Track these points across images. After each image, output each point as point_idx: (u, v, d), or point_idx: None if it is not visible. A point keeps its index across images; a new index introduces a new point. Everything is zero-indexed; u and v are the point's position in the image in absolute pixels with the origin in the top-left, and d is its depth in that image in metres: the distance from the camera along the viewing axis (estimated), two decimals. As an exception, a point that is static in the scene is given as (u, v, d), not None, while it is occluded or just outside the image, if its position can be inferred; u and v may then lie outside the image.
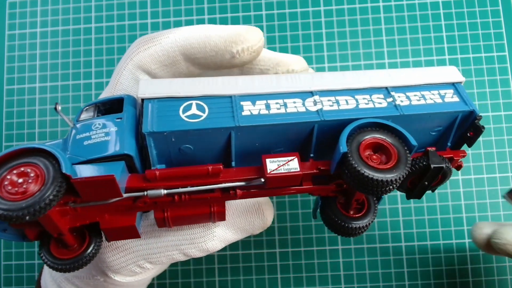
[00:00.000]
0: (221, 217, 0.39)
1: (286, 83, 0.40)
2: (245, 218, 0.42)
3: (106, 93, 0.43)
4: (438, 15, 0.68)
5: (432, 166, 0.39)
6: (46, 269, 0.49)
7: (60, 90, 0.68)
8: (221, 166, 0.36)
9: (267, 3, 0.69)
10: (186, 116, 0.36)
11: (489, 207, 0.63)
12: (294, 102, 0.39)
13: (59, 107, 0.35)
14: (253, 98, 0.38)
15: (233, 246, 0.64)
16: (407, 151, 0.37)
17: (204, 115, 0.36)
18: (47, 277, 0.48)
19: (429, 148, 0.41)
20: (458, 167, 0.44)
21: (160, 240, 0.42)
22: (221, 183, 0.36)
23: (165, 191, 0.36)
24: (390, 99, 0.40)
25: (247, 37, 0.41)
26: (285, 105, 0.38)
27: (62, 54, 0.69)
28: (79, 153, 0.35)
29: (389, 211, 0.64)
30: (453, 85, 0.42)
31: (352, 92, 0.41)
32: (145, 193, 0.35)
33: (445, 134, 0.42)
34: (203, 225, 0.42)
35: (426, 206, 0.64)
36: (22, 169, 0.32)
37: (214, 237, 0.42)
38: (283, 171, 0.36)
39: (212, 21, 0.69)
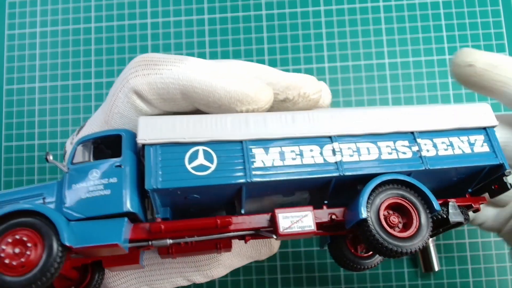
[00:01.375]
0: (228, 249, 0.37)
1: (303, 125, 0.35)
2: (252, 247, 0.41)
3: (103, 113, 0.40)
4: (438, 15, 0.68)
5: (451, 221, 0.37)
6: None
7: (60, 90, 0.68)
8: (230, 219, 0.34)
9: (267, 3, 0.69)
10: (192, 168, 0.33)
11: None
12: (311, 151, 0.35)
13: (50, 157, 0.33)
14: (266, 143, 0.34)
15: (233, 246, 0.64)
16: (429, 214, 0.35)
17: (213, 167, 0.33)
18: None
19: (450, 201, 0.38)
20: (475, 211, 0.40)
21: (164, 267, 0.41)
22: (230, 232, 0.34)
23: (171, 241, 0.33)
24: (415, 148, 0.37)
25: (254, 99, 0.37)
26: (301, 154, 0.35)
27: (62, 54, 0.69)
28: (77, 208, 0.32)
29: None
30: (485, 130, 0.39)
31: (374, 137, 0.37)
32: (150, 242, 0.33)
33: (468, 180, 0.40)
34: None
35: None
36: (17, 236, 0.29)
37: (220, 265, 0.41)
38: (296, 230, 0.34)
39: (212, 21, 0.69)
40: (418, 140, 0.37)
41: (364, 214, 0.33)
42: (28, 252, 0.29)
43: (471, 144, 0.38)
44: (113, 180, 0.33)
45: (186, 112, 0.39)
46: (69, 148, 0.43)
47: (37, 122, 0.68)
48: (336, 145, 0.35)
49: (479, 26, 0.67)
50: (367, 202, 0.34)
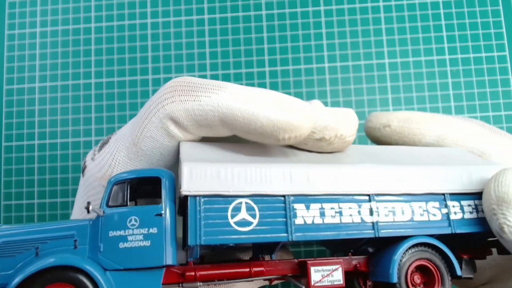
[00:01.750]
0: None
1: (343, 182, 0.36)
2: None
3: (132, 134, 0.39)
4: (438, 15, 0.68)
5: (463, 277, 0.39)
6: None
7: (60, 90, 0.68)
8: (263, 268, 0.35)
9: (267, 3, 0.69)
10: (235, 223, 0.33)
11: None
12: (350, 208, 0.36)
13: (90, 207, 0.32)
14: (307, 200, 0.35)
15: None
16: (449, 277, 0.37)
17: (255, 222, 0.33)
18: None
19: (464, 256, 0.40)
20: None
21: None
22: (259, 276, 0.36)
23: (201, 283, 0.34)
24: (445, 211, 0.38)
25: (297, 127, 0.36)
26: (340, 213, 0.35)
27: (62, 54, 0.69)
28: (115, 258, 0.31)
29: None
30: None
31: (409, 197, 0.38)
32: (181, 285, 0.34)
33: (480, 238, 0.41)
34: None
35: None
36: None
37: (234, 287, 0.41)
38: (326, 284, 0.35)
39: (212, 21, 0.69)
40: (448, 203, 0.39)
41: (395, 279, 0.35)
42: None
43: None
44: (153, 230, 0.32)
45: (221, 138, 0.39)
46: (90, 164, 0.41)
47: (37, 122, 0.68)
48: (373, 204, 0.37)
49: (479, 26, 0.67)
50: (398, 264, 0.36)
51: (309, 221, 0.34)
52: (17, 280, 0.29)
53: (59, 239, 0.32)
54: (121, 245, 0.32)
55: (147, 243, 0.32)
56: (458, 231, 0.38)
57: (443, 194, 0.39)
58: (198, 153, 0.34)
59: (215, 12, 0.69)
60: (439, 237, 0.38)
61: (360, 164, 0.38)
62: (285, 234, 0.33)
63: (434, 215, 0.38)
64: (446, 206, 0.38)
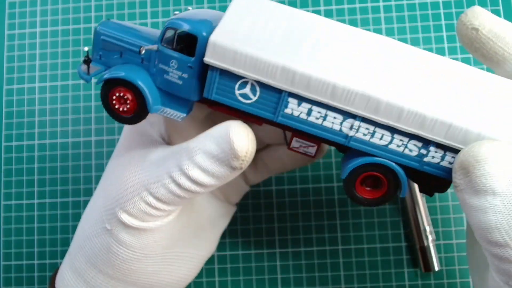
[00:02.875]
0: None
1: (341, 97, 0.38)
2: (214, 142, 0.40)
3: None
4: (438, 15, 0.68)
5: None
6: (65, 266, 0.48)
7: (60, 90, 0.68)
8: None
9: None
10: (239, 94, 0.40)
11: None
12: (334, 118, 0.39)
13: (143, 49, 0.41)
14: (301, 98, 0.39)
15: (233, 246, 0.64)
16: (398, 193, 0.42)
17: (254, 98, 0.40)
18: (67, 276, 0.47)
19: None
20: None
21: (159, 169, 0.42)
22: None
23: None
24: (424, 151, 0.39)
25: None
26: (324, 117, 0.40)
27: (62, 54, 0.69)
28: (160, 81, 0.42)
29: (389, 210, 0.64)
30: None
31: (395, 130, 0.39)
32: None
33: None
34: (187, 153, 0.41)
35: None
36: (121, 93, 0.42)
37: (195, 165, 0.40)
38: (301, 151, 0.44)
39: None
40: (431, 148, 0.39)
41: (343, 175, 0.42)
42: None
43: None
44: (185, 75, 0.41)
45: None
46: None
47: (37, 122, 0.68)
48: (357, 123, 0.39)
49: (479, 26, 0.67)
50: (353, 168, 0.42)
51: (295, 114, 0.40)
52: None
53: (130, 50, 0.42)
54: (165, 76, 0.41)
55: (180, 82, 0.41)
56: (425, 169, 0.40)
57: (430, 141, 0.39)
58: (237, 24, 0.40)
59: (215, 12, 0.69)
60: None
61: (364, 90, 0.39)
62: (273, 115, 0.40)
63: (410, 151, 0.40)
64: (428, 149, 0.39)
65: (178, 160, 0.41)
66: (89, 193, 0.66)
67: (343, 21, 0.68)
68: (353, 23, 0.68)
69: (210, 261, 0.64)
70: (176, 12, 0.43)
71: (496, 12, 0.67)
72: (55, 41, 0.69)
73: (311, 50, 0.39)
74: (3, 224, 0.66)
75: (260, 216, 0.65)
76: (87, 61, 0.43)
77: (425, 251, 0.60)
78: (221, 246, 0.64)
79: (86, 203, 0.65)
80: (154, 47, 0.41)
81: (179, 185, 0.41)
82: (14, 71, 0.69)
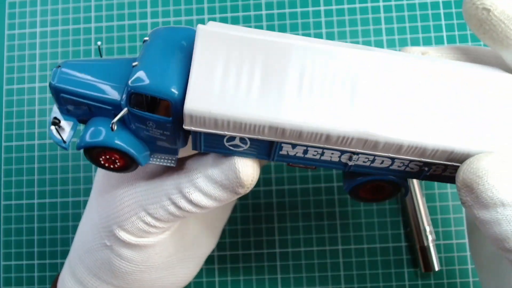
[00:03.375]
0: None
1: (336, 142, 0.36)
2: (218, 169, 0.39)
3: None
4: (438, 15, 0.68)
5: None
6: (67, 274, 0.48)
7: (60, 90, 0.68)
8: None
9: (267, 3, 0.69)
10: (229, 145, 0.37)
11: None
12: (332, 153, 0.38)
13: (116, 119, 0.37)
14: (294, 144, 0.37)
15: (233, 246, 0.64)
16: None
17: (245, 147, 0.37)
18: (69, 284, 0.47)
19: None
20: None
21: (156, 189, 0.41)
22: None
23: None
24: (425, 168, 0.39)
25: None
26: (322, 154, 0.38)
27: (62, 54, 0.69)
28: (142, 136, 0.39)
29: (389, 210, 0.64)
30: None
31: (395, 158, 0.38)
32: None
33: None
34: (187, 176, 0.40)
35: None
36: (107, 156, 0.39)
37: (196, 189, 0.40)
38: (301, 166, 0.41)
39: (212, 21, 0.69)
40: (432, 167, 0.39)
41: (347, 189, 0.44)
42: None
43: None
44: (167, 132, 0.37)
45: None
46: None
47: (37, 122, 0.68)
48: (355, 156, 0.38)
49: (479, 26, 0.67)
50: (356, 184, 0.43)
51: (292, 153, 0.38)
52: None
53: (103, 103, 0.38)
54: (145, 132, 0.38)
55: (163, 137, 0.38)
56: (426, 179, 0.40)
57: (430, 163, 0.38)
58: (209, 79, 0.35)
59: (215, 12, 0.69)
60: None
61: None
62: (268, 157, 0.39)
63: (412, 168, 0.39)
64: (428, 167, 0.39)
65: (177, 182, 0.40)
66: (89, 193, 0.66)
67: (343, 21, 0.68)
68: (353, 23, 0.68)
69: (210, 261, 0.64)
70: (136, 62, 0.36)
71: (496, 12, 0.67)
72: (55, 41, 0.69)
73: (295, 92, 0.35)
74: (3, 224, 0.66)
75: (260, 216, 0.65)
76: (56, 123, 0.38)
77: (425, 251, 0.60)
78: (221, 246, 0.64)
79: (86, 203, 0.65)
80: (125, 112, 0.36)
81: (179, 207, 0.40)
82: (14, 71, 0.69)
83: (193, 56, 0.34)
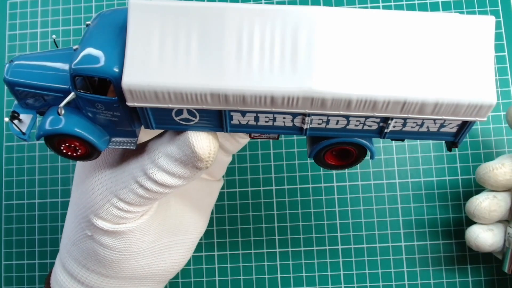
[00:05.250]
0: None
1: (282, 104, 0.35)
2: (175, 146, 0.39)
3: None
4: (438, 15, 0.68)
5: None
6: (58, 268, 0.49)
7: (61, 90, 0.68)
8: None
9: (267, 3, 0.69)
10: (179, 119, 0.37)
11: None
12: (284, 118, 0.37)
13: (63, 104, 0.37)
14: (243, 111, 0.36)
15: (233, 246, 0.64)
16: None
17: (196, 120, 0.37)
18: (61, 277, 0.48)
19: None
20: None
21: (124, 174, 0.41)
22: None
23: None
24: (383, 124, 0.37)
25: None
26: (274, 119, 0.37)
27: (63, 55, 0.69)
28: (97, 120, 0.39)
29: (388, 210, 0.64)
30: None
31: (348, 116, 0.36)
32: None
33: None
34: (149, 157, 0.40)
35: (425, 206, 0.64)
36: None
37: (159, 169, 0.40)
38: (263, 138, 0.41)
39: None
40: (390, 122, 0.37)
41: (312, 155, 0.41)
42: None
43: (442, 126, 0.37)
44: (117, 113, 0.37)
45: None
46: None
47: (37, 123, 0.68)
48: (307, 118, 0.36)
49: (479, 27, 0.67)
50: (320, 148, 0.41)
51: (243, 122, 0.37)
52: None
53: (53, 92, 0.38)
54: (98, 116, 0.38)
55: (115, 119, 0.38)
56: (387, 137, 0.38)
57: (390, 118, 0.36)
58: (145, 50, 0.34)
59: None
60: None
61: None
62: (221, 129, 0.38)
63: (370, 126, 0.37)
64: (388, 123, 0.37)
65: (141, 164, 0.40)
66: (89, 193, 0.66)
67: (343, 22, 0.68)
68: (353, 23, 0.68)
69: (210, 261, 0.64)
70: (76, 47, 0.36)
71: (496, 13, 0.67)
72: (55, 42, 0.70)
73: (234, 56, 0.33)
74: (5, 224, 0.66)
75: (260, 216, 0.65)
76: (15, 117, 0.39)
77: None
78: (221, 246, 0.64)
79: (86, 203, 0.65)
80: (72, 96, 0.36)
81: (146, 189, 0.40)
82: (15, 72, 0.69)
83: (127, 31, 0.33)
